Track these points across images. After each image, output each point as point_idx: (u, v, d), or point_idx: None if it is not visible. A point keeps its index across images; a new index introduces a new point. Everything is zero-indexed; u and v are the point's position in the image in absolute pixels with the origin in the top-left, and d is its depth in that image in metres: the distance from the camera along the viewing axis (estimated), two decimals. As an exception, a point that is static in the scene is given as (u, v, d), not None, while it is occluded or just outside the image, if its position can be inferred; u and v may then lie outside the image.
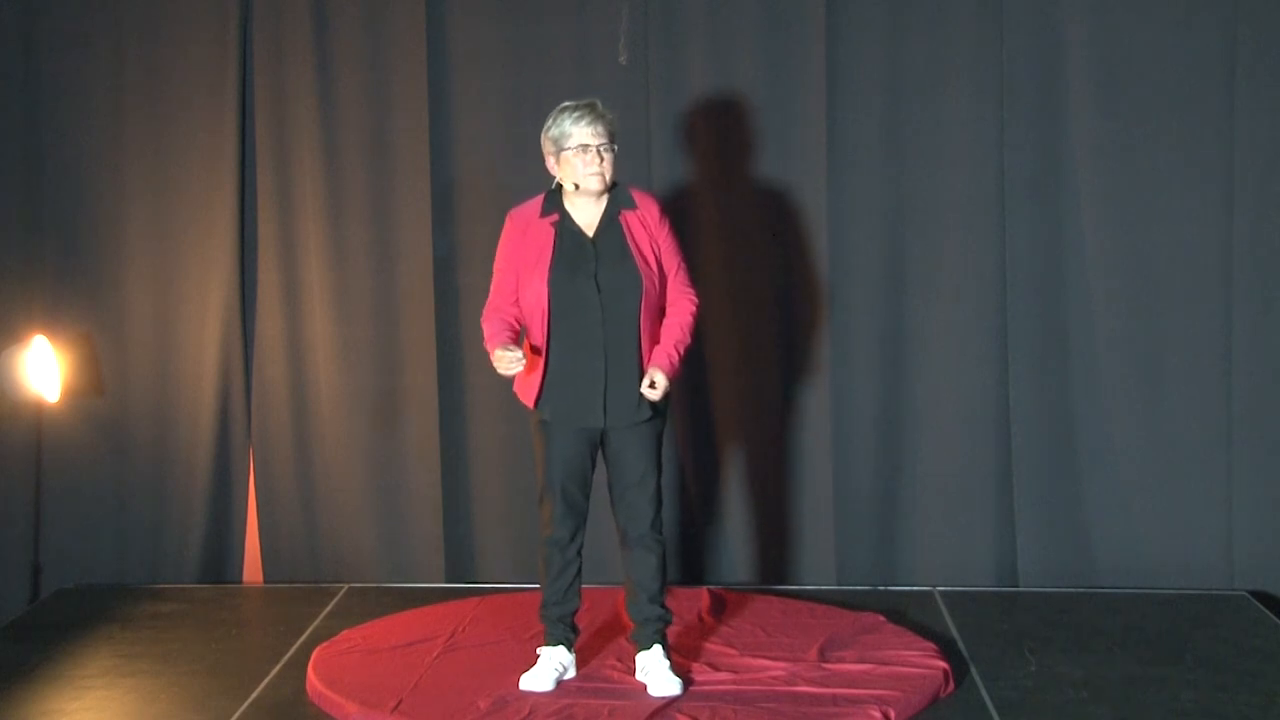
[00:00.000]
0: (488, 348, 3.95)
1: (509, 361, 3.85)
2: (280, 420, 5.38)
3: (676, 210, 5.18)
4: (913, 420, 5.21)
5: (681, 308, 4.05)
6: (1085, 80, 5.03)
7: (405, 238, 5.27)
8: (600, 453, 4.08)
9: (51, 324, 5.32)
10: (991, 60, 5.08)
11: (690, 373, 5.24)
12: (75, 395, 5.34)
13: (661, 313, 4.04)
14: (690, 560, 5.32)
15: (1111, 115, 5.02)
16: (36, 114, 5.34)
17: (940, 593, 5.02)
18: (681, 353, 4.00)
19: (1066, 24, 5.03)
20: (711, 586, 4.96)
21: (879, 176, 5.16)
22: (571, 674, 4.11)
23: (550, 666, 4.07)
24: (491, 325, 4.00)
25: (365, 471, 5.35)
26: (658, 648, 4.08)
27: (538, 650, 4.14)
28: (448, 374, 5.29)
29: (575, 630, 4.17)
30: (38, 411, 5.33)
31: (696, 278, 5.20)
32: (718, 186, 5.18)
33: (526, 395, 4.02)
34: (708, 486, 5.29)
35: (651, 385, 3.92)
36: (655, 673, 4.02)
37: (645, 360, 3.96)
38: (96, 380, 5.38)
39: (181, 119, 5.30)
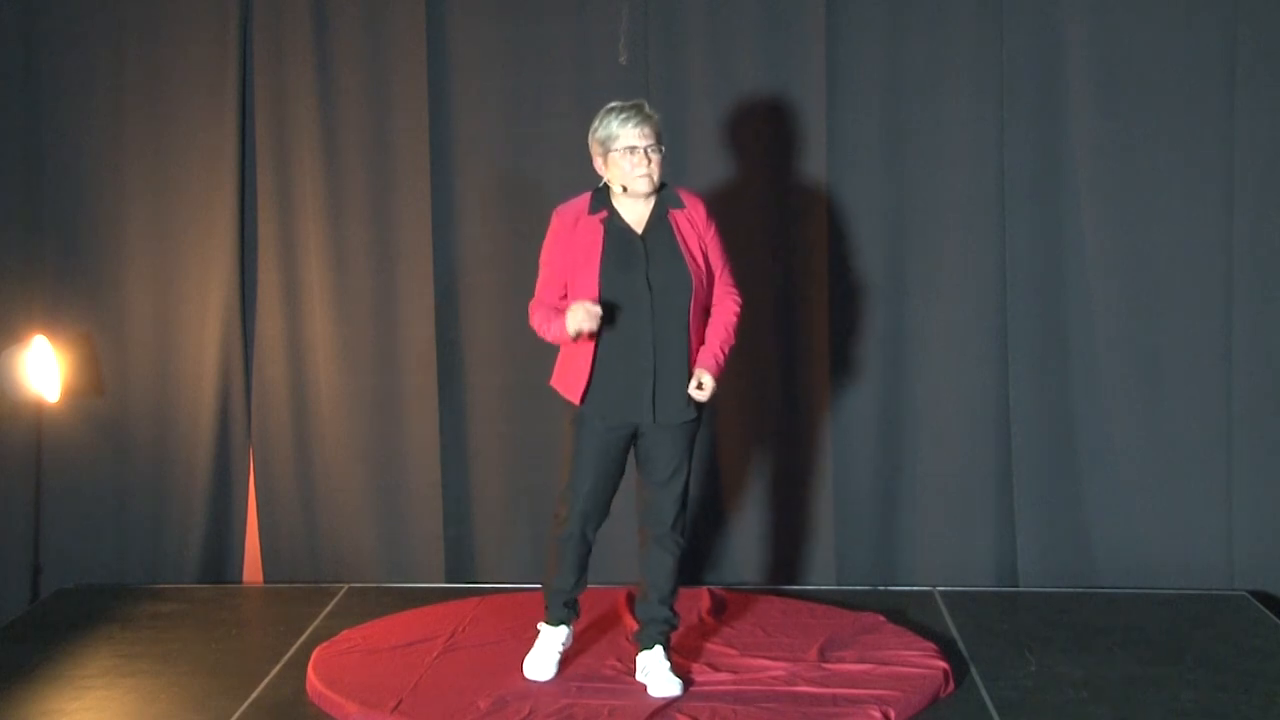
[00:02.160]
0: (547, 324, 3.92)
1: (588, 316, 3.80)
2: (280, 420, 5.38)
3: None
4: (913, 420, 5.21)
5: (726, 308, 4.06)
6: (1085, 80, 5.03)
7: (405, 238, 5.27)
8: (632, 450, 4.08)
9: (51, 324, 5.32)
10: (991, 60, 5.08)
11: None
12: (75, 395, 5.34)
13: (707, 312, 4.05)
14: (691, 560, 5.31)
15: (1111, 115, 5.02)
16: (36, 114, 5.33)
17: (940, 593, 5.02)
18: (726, 353, 4.01)
19: (1066, 24, 5.04)
20: (712, 586, 4.96)
21: (879, 176, 5.16)
22: (570, 643, 4.18)
23: (552, 648, 4.12)
24: (543, 311, 3.97)
25: (365, 471, 5.35)
26: (659, 648, 4.08)
27: (538, 626, 4.18)
28: (448, 374, 5.30)
29: (577, 612, 4.20)
30: (38, 411, 5.33)
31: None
32: (718, 186, 5.18)
33: (572, 391, 3.99)
34: (708, 487, 5.29)
35: (699, 386, 3.93)
36: (656, 673, 4.02)
37: (692, 359, 3.97)
38: (96, 380, 5.38)
39: (181, 119, 5.30)
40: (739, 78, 5.16)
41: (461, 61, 5.24)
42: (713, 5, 5.15)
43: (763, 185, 5.19)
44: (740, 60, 5.15)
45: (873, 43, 5.13)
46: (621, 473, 4.08)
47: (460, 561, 5.37)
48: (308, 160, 5.28)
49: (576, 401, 3.97)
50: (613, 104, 4.01)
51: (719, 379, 3.98)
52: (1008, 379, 5.14)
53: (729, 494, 5.29)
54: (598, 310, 3.83)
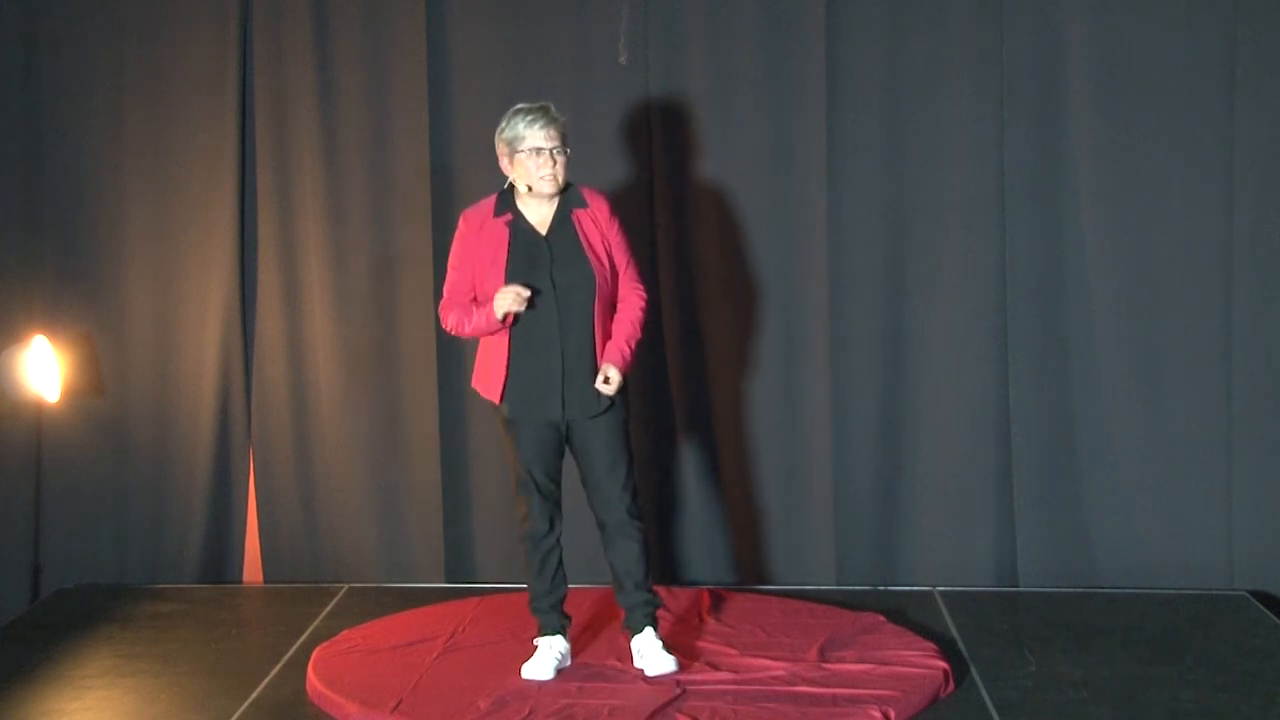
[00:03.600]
0: (467, 318, 4.03)
1: (517, 298, 3.91)
2: (280, 420, 5.38)
3: (676, 210, 5.20)
4: (913, 420, 5.21)
5: (632, 304, 4.15)
6: (1085, 80, 5.03)
7: (405, 238, 5.27)
8: (568, 448, 4.15)
9: (51, 324, 5.32)
10: (991, 60, 5.08)
11: (690, 372, 5.24)
12: (75, 395, 5.34)
13: (613, 308, 4.13)
14: (689, 560, 5.32)
15: (1111, 115, 5.02)
16: (36, 114, 5.33)
17: (940, 593, 5.02)
18: (633, 348, 4.10)
19: (1066, 24, 5.03)
20: (711, 586, 4.96)
21: (879, 176, 5.16)
22: (569, 662, 4.19)
23: (550, 656, 4.14)
24: (458, 310, 4.08)
25: (365, 471, 5.35)
26: (649, 630, 4.15)
27: (535, 641, 4.20)
28: (447, 374, 5.29)
29: (567, 617, 4.25)
30: (38, 411, 5.33)
31: (696, 278, 5.24)
32: (718, 186, 5.18)
33: (490, 391, 4.10)
34: (707, 486, 5.29)
35: (605, 381, 4.01)
36: (649, 654, 4.09)
37: (599, 354, 4.05)
38: (96, 380, 5.38)
39: (181, 119, 5.30)
40: (739, 78, 5.15)
41: (461, 61, 5.24)
42: (713, 5, 5.15)
43: (762, 185, 5.18)
44: (740, 60, 5.15)
45: (873, 43, 5.12)
46: (560, 460, 4.16)
47: (460, 561, 5.37)
48: (308, 160, 5.28)
49: (496, 400, 4.07)
50: (520, 105, 4.09)
51: (625, 373, 4.07)
52: (1008, 379, 5.14)
53: (729, 494, 5.28)
54: (527, 293, 3.93)
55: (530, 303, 3.97)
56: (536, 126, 4.01)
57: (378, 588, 5.20)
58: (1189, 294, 5.06)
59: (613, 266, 4.11)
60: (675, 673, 4.02)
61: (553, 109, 4.07)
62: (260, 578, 5.44)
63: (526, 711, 3.83)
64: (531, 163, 4.02)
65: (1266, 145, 4.97)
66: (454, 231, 5.21)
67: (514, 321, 4.01)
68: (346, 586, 5.21)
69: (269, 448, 5.40)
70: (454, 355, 5.30)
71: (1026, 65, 5.06)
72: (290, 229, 5.33)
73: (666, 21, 5.17)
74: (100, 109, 5.32)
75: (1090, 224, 5.06)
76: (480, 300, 4.07)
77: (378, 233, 5.29)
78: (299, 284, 5.34)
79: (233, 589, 5.32)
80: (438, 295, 5.19)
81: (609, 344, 4.07)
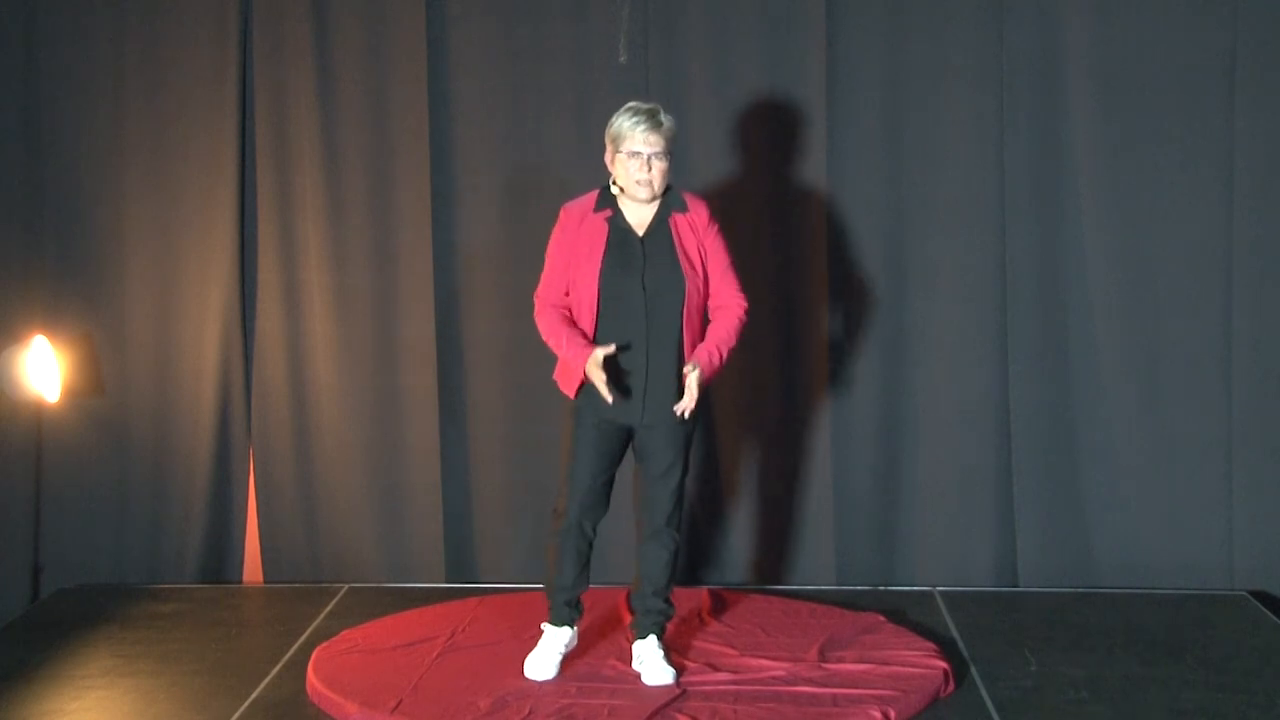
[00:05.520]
0: (557, 337, 3.96)
1: (602, 384, 3.86)
2: (280, 420, 5.38)
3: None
4: (913, 420, 5.21)
5: (731, 311, 4.07)
6: (1085, 80, 5.03)
7: (405, 238, 5.27)
8: (630, 445, 4.12)
9: (51, 324, 5.32)
10: (991, 60, 5.08)
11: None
12: (75, 395, 5.34)
13: (703, 317, 4.07)
14: (690, 560, 5.32)
15: (1111, 115, 5.03)
16: (36, 114, 5.33)
17: (940, 593, 5.02)
18: (724, 354, 4.02)
19: (1066, 24, 5.04)
20: (712, 586, 4.96)
21: (879, 176, 5.16)
22: (574, 644, 4.18)
23: (555, 649, 4.13)
24: (554, 321, 4.00)
25: (365, 471, 5.35)
26: (653, 638, 4.14)
27: (541, 626, 4.18)
28: (448, 374, 5.30)
29: (580, 611, 4.21)
30: (38, 411, 5.33)
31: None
32: (717, 186, 5.18)
33: (569, 385, 4.04)
34: (708, 486, 5.29)
35: (689, 376, 3.91)
36: (649, 662, 4.08)
37: (684, 363, 3.97)
38: (96, 380, 5.38)
39: (181, 119, 5.30)
40: (739, 78, 5.16)
41: (461, 61, 5.24)
42: (713, 5, 5.15)
43: (763, 185, 5.19)
44: (740, 60, 5.16)
45: (873, 43, 5.13)
46: (617, 465, 4.11)
47: (460, 561, 5.37)
48: (308, 160, 5.28)
49: (573, 395, 4.02)
50: (633, 103, 4.03)
51: (712, 377, 3.99)
52: (1008, 379, 5.14)
53: (729, 494, 5.29)
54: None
55: (608, 316, 3.93)
56: (640, 129, 3.95)
57: (378, 588, 5.20)
58: (1189, 294, 5.07)
59: (705, 275, 4.05)
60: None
61: (661, 113, 3.98)
62: (260, 578, 5.44)
63: (526, 711, 3.83)
64: (630, 164, 3.97)
65: (1266, 145, 4.98)
66: (453, 230, 5.28)
67: (596, 328, 3.96)
68: (346, 586, 5.20)
69: (269, 448, 5.40)
70: (454, 355, 5.30)
71: (1026, 65, 5.06)
72: (290, 229, 5.32)
73: (666, 21, 5.17)
74: (100, 109, 5.32)
75: (1090, 223, 5.07)
76: (571, 296, 4.00)
77: (378, 233, 5.29)
78: (299, 284, 5.33)
79: (233, 589, 5.31)
80: (437, 295, 5.25)
81: (700, 345, 3.99)
